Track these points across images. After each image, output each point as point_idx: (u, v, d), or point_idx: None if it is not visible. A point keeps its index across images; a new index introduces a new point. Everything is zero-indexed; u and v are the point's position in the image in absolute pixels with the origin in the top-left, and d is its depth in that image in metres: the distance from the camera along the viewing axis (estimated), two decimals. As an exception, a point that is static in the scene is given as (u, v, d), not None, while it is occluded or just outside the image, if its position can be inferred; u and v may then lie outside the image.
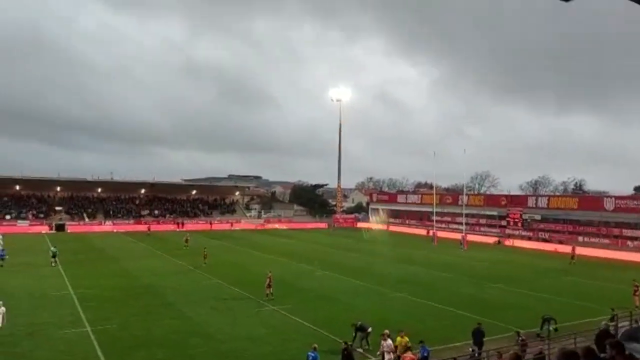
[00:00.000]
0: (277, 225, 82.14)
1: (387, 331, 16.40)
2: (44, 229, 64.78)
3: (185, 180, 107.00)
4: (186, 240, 48.79)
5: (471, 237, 58.34)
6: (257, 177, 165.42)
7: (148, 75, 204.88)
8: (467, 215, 62.02)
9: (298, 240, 59.77)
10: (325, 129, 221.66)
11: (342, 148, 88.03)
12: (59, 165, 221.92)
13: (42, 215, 70.36)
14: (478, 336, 17.22)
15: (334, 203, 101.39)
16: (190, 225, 73.65)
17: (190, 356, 17.10)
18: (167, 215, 79.11)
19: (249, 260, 41.27)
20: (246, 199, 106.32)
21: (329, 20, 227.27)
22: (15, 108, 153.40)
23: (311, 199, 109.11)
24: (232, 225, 76.88)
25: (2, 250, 37.81)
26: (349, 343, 16.35)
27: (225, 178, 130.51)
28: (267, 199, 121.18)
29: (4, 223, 64.07)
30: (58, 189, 75.83)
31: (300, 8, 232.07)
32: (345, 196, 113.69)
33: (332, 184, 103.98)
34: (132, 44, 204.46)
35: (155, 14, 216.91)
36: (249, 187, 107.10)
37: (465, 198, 66.59)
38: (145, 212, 78.66)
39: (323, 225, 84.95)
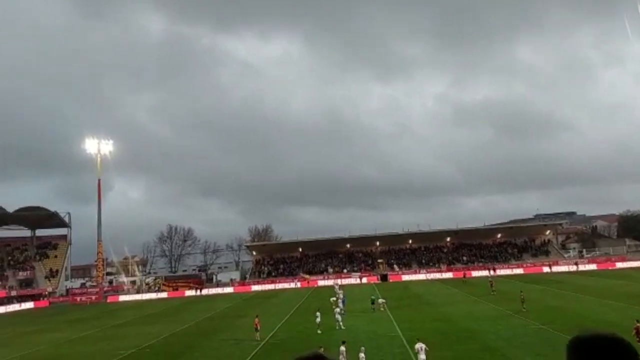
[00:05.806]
0: (605, 265, 69.60)
1: None
2: (372, 279, 74.40)
3: (488, 225, 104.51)
4: (491, 284, 47.65)
5: None
6: (570, 213, 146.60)
7: (424, 129, 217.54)
8: None
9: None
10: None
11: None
12: (374, 224, 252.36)
13: (368, 268, 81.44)
14: None
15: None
16: (502, 269, 70.92)
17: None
18: (476, 261, 78.55)
19: (578, 306, 36.19)
20: (560, 239, 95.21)
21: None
22: (334, 183, 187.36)
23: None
24: (550, 267, 69.63)
25: (344, 298, 45.42)
26: None
27: (532, 219, 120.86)
28: (587, 236, 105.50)
29: (343, 275, 77.05)
30: (377, 243, 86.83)
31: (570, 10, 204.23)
32: None
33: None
34: (405, 106, 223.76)
35: (419, 74, 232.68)
36: (562, 225, 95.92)
37: None
38: (454, 259, 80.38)
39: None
